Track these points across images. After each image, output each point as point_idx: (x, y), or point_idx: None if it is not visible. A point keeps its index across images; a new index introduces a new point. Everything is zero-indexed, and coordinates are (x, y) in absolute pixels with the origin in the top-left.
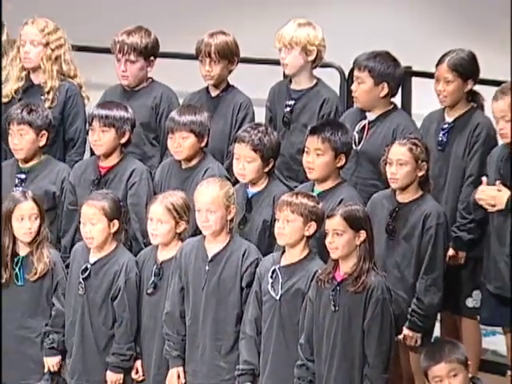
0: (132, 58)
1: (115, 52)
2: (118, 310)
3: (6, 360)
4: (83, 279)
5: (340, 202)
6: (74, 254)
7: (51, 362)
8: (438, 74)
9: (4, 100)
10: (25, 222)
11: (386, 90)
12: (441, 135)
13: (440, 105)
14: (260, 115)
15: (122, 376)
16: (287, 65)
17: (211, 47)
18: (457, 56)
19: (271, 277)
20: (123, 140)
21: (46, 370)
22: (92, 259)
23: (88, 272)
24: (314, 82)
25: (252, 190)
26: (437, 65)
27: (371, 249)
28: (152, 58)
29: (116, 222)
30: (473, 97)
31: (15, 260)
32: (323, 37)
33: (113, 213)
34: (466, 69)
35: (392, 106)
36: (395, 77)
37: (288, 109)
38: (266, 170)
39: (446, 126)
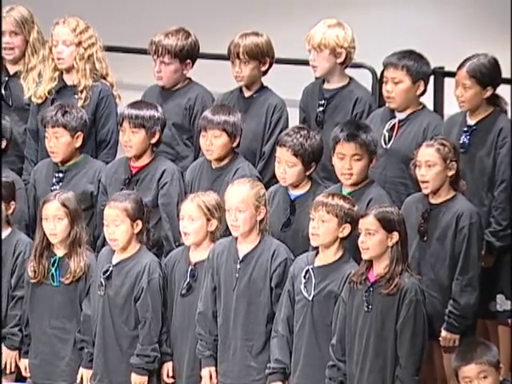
0: (166, 59)
1: (151, 53)
2: (141, 310)
3: (38, 359)
4: (104, 279)
5: (369, 202)
6: (100, 257)
7: (87, 375)
8: (458, 78)
9: (38, 101)
10: (49, 222)
11: (422, 88)
12: (463, 138)
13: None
14: (294, 116)
15: (146, 378)
16: (316, 67)
17: (240, 48)
18: (477, 62)
19: (304, 277)
20: (154, 140)
21: (78, 380)
22: (114, 260)
23: (109, 273)
24: (347, 81)
25: (294, 193)
26: (457, 69)
27: (404, 251)
28: (189, 60)
29: (139, 222)
30: (495, 100)
31: (52, 260)
32: (353, 37)
33: (135, 213)
34: (485, 76)
35: (422, 105)
36: (429, 75)
37: (321, 108)
38: (308, 173)
39: (468, 128)
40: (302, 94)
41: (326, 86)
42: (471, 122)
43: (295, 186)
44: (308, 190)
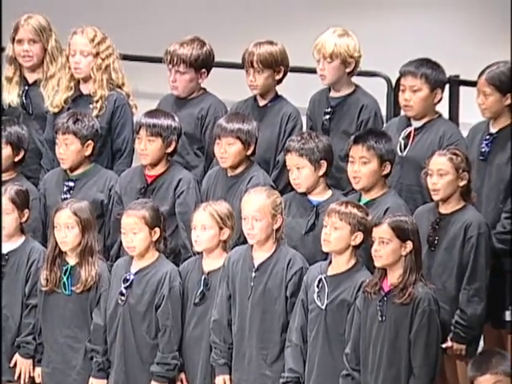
0: (181, 69)
1: (166, 62)
2: (162, 318)
3: (50, 368)
4: (125, 288)
5: (386, 211)
6: (115, 267)
7: None
8: (478, 86)
9: (54, 110)
10: (60, 230)
11: (439, 96)
12: (483, 145)
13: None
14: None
15: None
16: (325, 76)
17: (254, 57)
18: (496, 70)
19: (317, 286)
20: (169, 149)
21: None
22: (134, 269)
23: (130, 282)
24: (353, 88)
25: (316, 199)
26: (478, 77)
27: (418, 260)
28: (204, 69)
29: (157, 230)
30: None
31: (64, 268)
32: (359, 46)
33: (153, 221)
34: (505, 83)
35: (438, 114)
36: (445, 83)
37: (327, 116)
38: (320, 173)
39: (489, 136)
40: (308, 102)
41: (333, 94)
42: (493, 130)
43: (312, 190)
44: (330, 197)
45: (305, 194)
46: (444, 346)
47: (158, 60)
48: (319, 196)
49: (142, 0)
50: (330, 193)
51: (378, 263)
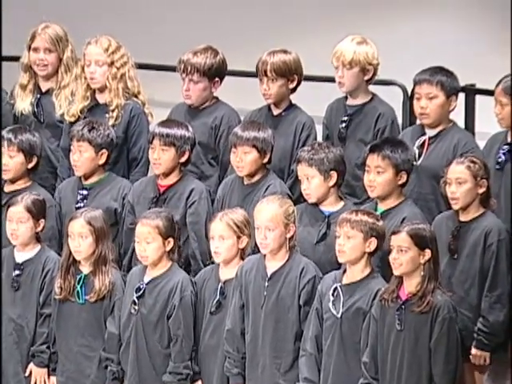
0: (195, 78)
1: (180, 71)
2: (173, 327)
3: (64, 377)
4: (137, 298)
5: (403, 221)
6: (130, 276)
7: None
8: (495, 96)
9: (71, 119)
10: (74, 239)
11: (454, 104)
12: (500, 155)
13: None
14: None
15: None
16: (344, 83)
17: (267, 65)
18: None
19: (333, 295)
20: (183, 159)
21: None
22: (146, 278)
23: (142, 291)
24: (370, 97)
25: (328, 209)
26: (495, 87)
27: (436, 268)
28: (217, 78)
29: (171, 240)
30: None
31: (78, 277)
32: (378, 53)
33: (167, 231)
34: None
35: (452, 122)
36: (459, 91)
37: (343, 124)
38: (330, 184)
39: (506, 146)
40: (325, 110)
41: (350, 102)
42: (510, 139)
43: (323, 201)
44: (342, 207)
45: (316, 205)
46: (471, 356)
47: (172, 69)
48: (331, 206)
49: (155, 9)
50: (342, 203)
51: (396, 271)
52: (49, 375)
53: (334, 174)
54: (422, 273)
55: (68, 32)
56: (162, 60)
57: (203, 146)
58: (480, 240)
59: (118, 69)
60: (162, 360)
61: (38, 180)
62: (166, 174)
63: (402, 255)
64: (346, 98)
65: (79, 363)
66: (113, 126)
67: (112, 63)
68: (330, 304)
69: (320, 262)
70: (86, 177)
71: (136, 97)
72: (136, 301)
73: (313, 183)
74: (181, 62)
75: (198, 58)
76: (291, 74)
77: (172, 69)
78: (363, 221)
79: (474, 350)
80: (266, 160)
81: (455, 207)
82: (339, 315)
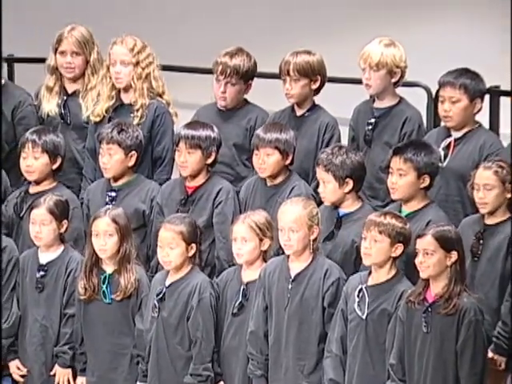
0: (233, 80)
1: (217, 73)
2: (192, 329)
3: (95, 376)
4: (158, 301)
5: (427, 224)
6: (154, 281)
7: None
8: None
9: (96, 119)
10: (99, 238)
11: (478, 106)
12: None
13: None
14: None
15: None
16: (370, 85)
17: (290, 65)
18: None
19: (358, 296)
20: (209, 160)
21: None
22: (167, 282)
23: (163, 294)
24: (397, 100)
25: (343, 210)
26: None
27: (463, 270)
28: (251, 81)
29: (194, 245)
30: None
31: (102, 277)
32: (406, 56)
33: (191, 237)
34: None
35: (478, 123)
36: (484, 92)
37: (370, 127)
38: (346, 190)
39: None
40: (352, 112)
41: (377, 104)
42: None
43: (340, 204)
44: (357, 209)
45: (335, 207)
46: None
47: (195, 70)
48: (347, 208)
49: (179, 11)
50: (358, 205)
51: (423, 274)
52: (75, 376)
53: (350, 181)
54: (449, 275)
55: (93, 32)
56: (185, 62)
57: (238, 148)
58: (503, 244)
59: (143, 69)
60: (184, 363)
61: (65, 181)
62: (194, 176)
63: (429, 258)
64: (374, 100)
65: (110, 361)
66: (138, 125)
67: (137, 63)
68: (356, 305)
69: None
70: (115, 178)
71: (160, 97)
72: (157, 304)
73: (328, 188)
74: (218, 63)
75: (235, 60)
76: (314, 74)
77: (195, 70)
78: (391, 224)
79: (490, 354)
80: (288, 161)
81: (483, 211)
82: (364, 316)
